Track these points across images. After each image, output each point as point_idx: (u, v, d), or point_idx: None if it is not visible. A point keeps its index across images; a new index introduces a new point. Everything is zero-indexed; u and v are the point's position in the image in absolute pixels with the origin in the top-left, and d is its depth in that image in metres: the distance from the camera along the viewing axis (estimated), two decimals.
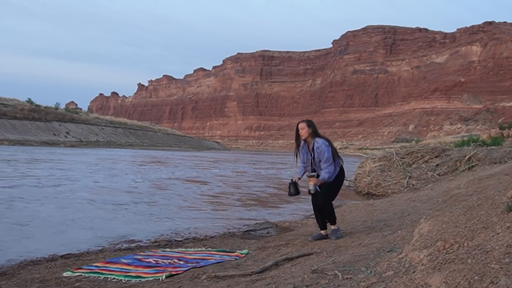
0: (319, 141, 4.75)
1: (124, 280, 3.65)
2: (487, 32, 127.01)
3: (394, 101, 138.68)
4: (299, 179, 4.90)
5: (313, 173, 4.74)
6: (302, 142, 4.89)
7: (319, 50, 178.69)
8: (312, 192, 4.67)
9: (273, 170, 25.08)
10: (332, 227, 4.85)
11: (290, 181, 4.84)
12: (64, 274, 3.82)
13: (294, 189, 4.79)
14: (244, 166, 28.18)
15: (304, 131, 4.81)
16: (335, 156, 4.77)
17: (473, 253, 2.33)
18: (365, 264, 3.14)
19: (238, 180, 16.32)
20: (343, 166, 4.93)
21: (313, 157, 4.80)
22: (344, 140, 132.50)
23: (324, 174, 4.68)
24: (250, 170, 24.33)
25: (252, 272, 3.50)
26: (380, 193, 11.39)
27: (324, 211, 4.80)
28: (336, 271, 2.98)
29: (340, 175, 4.87)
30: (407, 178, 11.65)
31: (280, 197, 11.28)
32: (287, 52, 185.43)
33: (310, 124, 4.86)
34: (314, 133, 4.82)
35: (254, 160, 40.70)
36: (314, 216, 5.12)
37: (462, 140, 22.05)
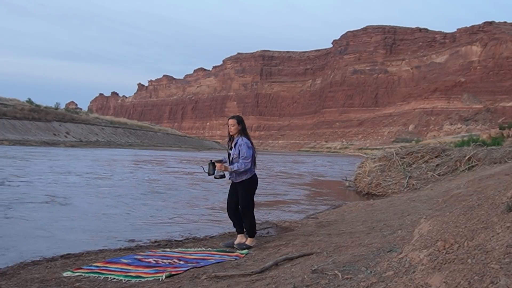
0: (243, 140, 4.78)
1: (124, 280, 3.65)
2: (487, 32, 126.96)
3: (394, 101, 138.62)
4: (221, 161, 4.83)
5: (221, 159, 4.80)
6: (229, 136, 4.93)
7: (319, 50, 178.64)
8: (211, 174, 4.73)
9: (271, 169, 25.07)
10: (247, 241, 4.80)
11: (209, 161, 4.82)
12: (64, 274, 3.82)
13: (211, 169, 4.78)
14: None
15: (234, 127, 4.84)
16: (254, 158, 4.80)
17: (473, 253, 2.33)
18: (365, 264, 3.13)
19: None
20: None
21: (233, 153, 4.79)
22: (344, 140, 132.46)
23: (235, 165, 4.70)
24: None
25: (252, 272, 3.50)
26: (380, 193, 11.39)
27: (245, 216, 4.81)
28: (336, 271, 2.98)
29: (254, 180, 4.87)
30: (407, 178, 11.66)
31: (280, 197, 11.27)
32: (287, 52, 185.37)
33: (240, 121, 4.90)
34: (242, 131, 4.86)
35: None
36: (314, 216, 5.11)
37: (462, 140, 22.06)
